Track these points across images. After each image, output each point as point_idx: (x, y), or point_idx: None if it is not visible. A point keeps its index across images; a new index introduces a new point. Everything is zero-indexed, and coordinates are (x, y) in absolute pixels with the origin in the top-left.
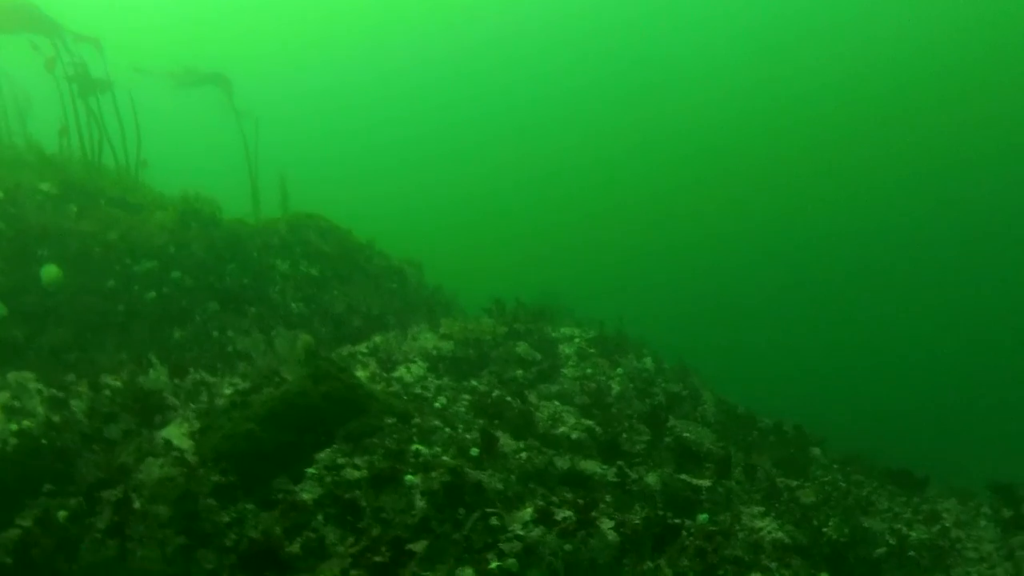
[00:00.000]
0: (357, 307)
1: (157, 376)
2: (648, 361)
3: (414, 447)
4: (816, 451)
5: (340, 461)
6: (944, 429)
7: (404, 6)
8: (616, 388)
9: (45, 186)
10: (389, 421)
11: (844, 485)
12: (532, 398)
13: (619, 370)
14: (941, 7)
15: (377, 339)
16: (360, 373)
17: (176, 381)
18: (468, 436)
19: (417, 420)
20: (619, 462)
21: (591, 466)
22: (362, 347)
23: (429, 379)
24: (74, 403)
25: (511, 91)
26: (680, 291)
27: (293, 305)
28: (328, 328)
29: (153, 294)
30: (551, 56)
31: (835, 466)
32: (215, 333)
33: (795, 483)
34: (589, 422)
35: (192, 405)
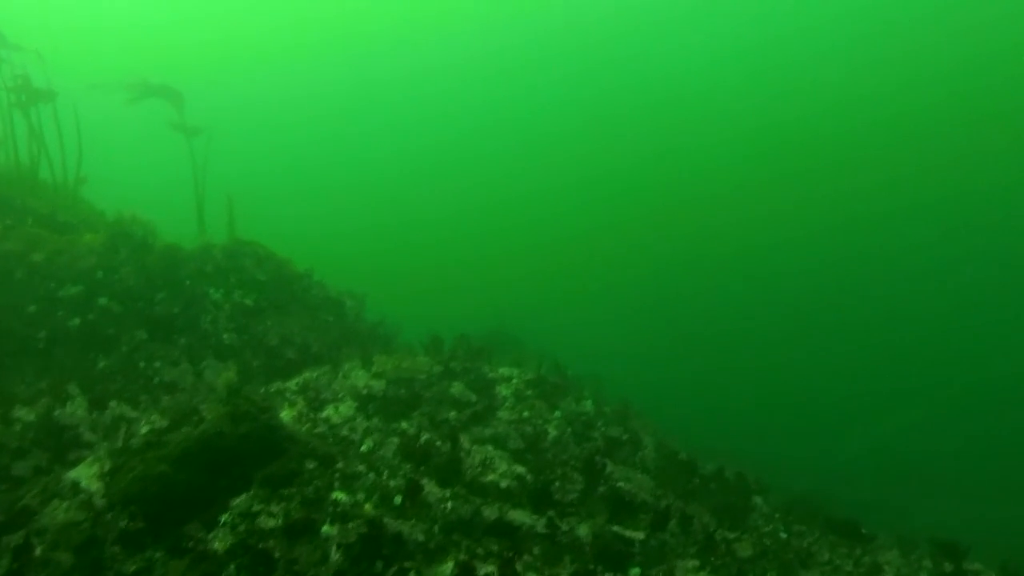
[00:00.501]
0: (292, 339)
1: (75, 410)
2: (588, 404)
3: (334, 495)
4: (758, 500)
5: (256, 508)
6: (894, 469)
7: (367, 23)
8: (553, 432)
9: None
10: (310, 465)
11: (784, 536)
12: (464, 442)
13: (557, 413)
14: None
15: (308, 375)
16: (286, 413)
17: (95, 415)
18: (392, 483)
19: (340, 464)
20: (550, 512)
21: (520, 516)
22: (292, 383)
23: (358, 420)
24: None
25: (472, 115)
26: (642, 320)
27: (225, 335)
28: (260, 360)
29: (78, 321)
30: (509, 81)
31: (777, 515)
32: (142, 363)
33: (733, 535)
34: (521, 468)
35: (108, 443)
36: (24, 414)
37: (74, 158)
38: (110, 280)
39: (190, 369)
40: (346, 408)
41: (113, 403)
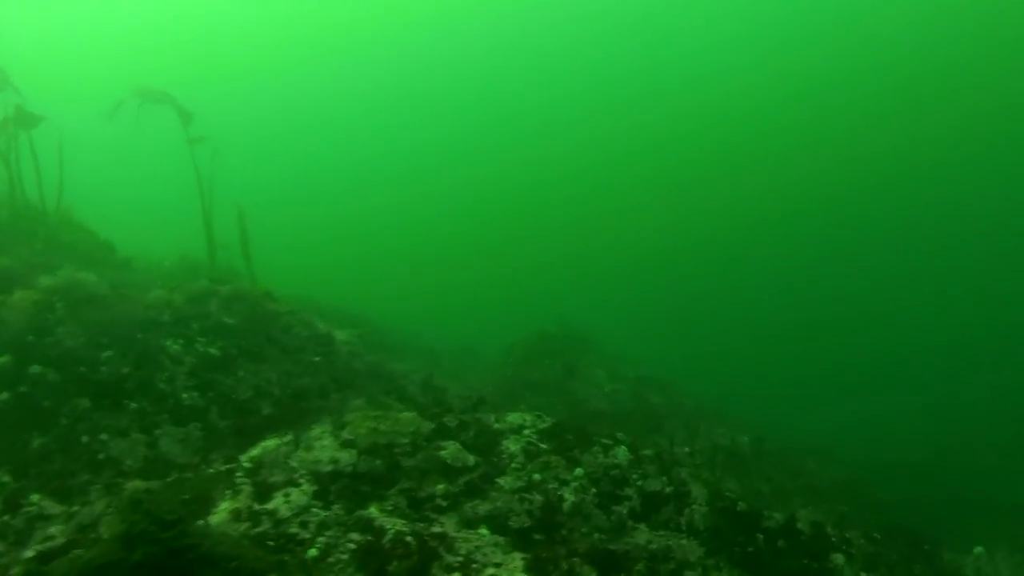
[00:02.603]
0: (268, 390)
1: None
2: (621, 452)
3: None
4: (839, 559)
5: None
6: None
7: (367, 27)
8: (570, 499)
9: None
10: None
11: None
12: (450, 525)
13: (578, 471)
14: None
15: (270, 443)
16: (224, 506)
17: (6, 518)
18: None
19: None
20: None
21: None
22: (246, 458)
23: (313, 510)
24: None
25: (481, 107)
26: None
27: (185, 395)
28: (229, 420)
29: (6, 395)
30: (514, 74)
31: None
32: (85, 437)
33: None
34: (520, 561)
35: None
36: None
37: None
38: (44, 343)
39: (142, 439)
40: (301, 494)
41: (35, 497)
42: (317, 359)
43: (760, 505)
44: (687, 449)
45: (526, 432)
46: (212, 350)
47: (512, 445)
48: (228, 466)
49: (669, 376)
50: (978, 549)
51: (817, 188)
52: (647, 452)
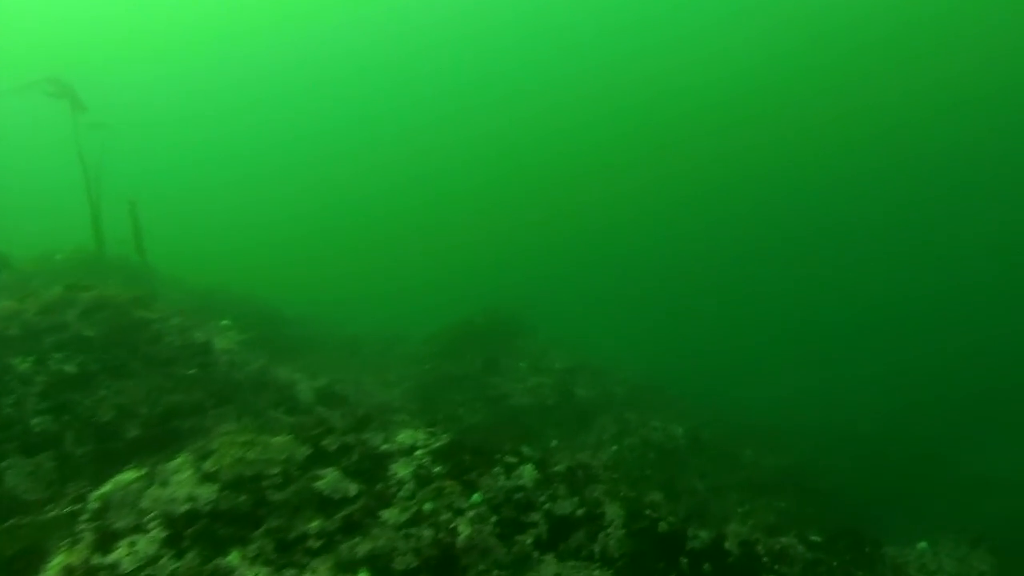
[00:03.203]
0: (134, 410)
1: None
2: (527, 471)
3: None
4: None
5: None
6: None
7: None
8: (465, 531)
9: None
10: None
11: None
12: (324, 570)
13: (475, 497)
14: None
15: (125, 477)
16: (58, 560)
17: None
18: None
19: None
20: None
21: None
22: (95, 496)
23: (162, 561)
24: None
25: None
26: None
27: (36, 420)
28: (88, 446)
29: None
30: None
31: None
32: None
33: None
34: None
35: None
36: None
37: None
38: None
39: None
40: (149, 541)
41: None
42: (192, 371)
43: (690, 515)
44: (614, 448)
45: (418, 453)
46: (69, 367)
47: (401, 470)
48: (73, 507)
49: (605, 362)
50: (922, 544)
51: (753, 159)
52: (557, 469)
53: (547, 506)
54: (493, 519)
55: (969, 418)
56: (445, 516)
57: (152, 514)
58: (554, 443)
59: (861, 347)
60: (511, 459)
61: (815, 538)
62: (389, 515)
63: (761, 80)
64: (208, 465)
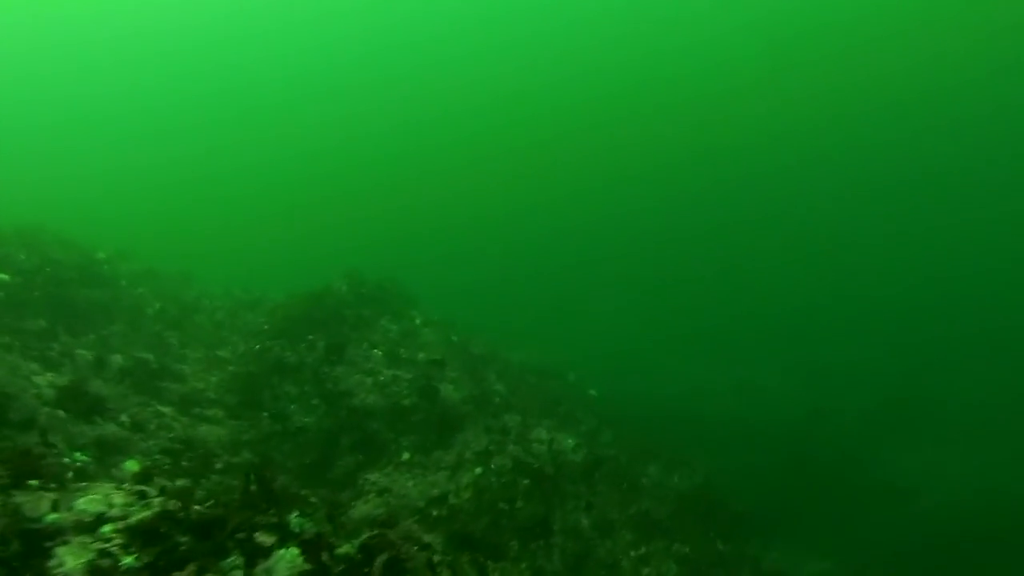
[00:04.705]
0: None
1: None
2: (285, 560)
3: None
4: None
5: None
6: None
7: None
8: None
9: None
10: None
11: None
12: None
13: None
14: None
15: None
16: None
17: None
18: None
19: None
20: None
21: None
22: None
23: None
24: None
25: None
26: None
27: None
28: None
29: None
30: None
31: None
32: None
33: None
34: None
35: None
36: None
37: None
38: None
39: None
40: None
41: None
42: None
43: None
44: (477, 472)
45: (106, 531)
46: None
47: (72, 559)
48: None
49: (494, 348)
50: None
51: (667, 150)
52: (343, 550)
53: None
54: None
55: (876, 426)
56: None
57: None
58: (406, 456)
59: (773, 349)
60: (263, 540)
61: None
62: None
63: (656, 73)
64: None
